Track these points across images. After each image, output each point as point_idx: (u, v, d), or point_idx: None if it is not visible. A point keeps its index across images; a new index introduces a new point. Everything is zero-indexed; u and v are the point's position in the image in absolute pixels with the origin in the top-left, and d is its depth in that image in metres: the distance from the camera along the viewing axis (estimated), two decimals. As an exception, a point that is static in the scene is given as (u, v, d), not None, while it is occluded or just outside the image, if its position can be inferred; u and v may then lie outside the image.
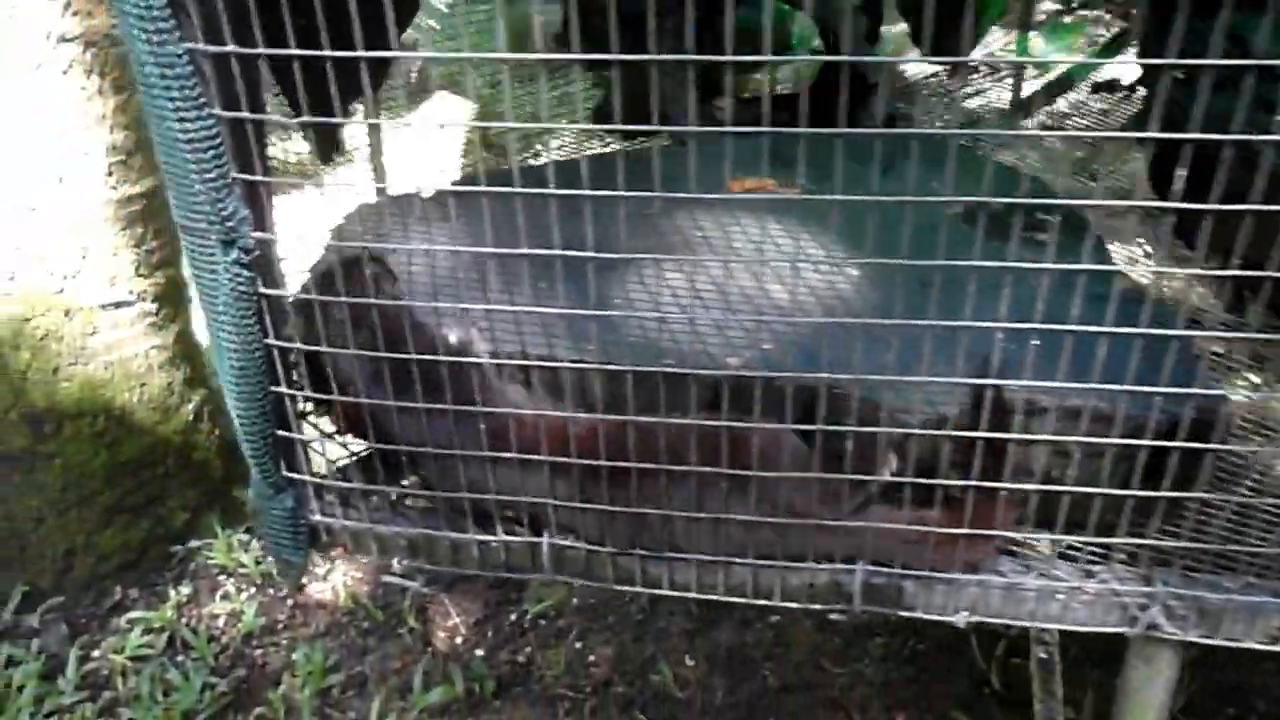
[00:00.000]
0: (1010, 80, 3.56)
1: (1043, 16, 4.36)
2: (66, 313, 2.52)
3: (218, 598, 2.68)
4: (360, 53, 1.11)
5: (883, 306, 1.59)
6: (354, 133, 4.06)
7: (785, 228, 1.86)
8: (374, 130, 3.12)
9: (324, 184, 3.26)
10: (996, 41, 4.21)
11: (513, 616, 2.61)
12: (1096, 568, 1.42)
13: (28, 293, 2.46)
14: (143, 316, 2.62)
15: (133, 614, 2.62)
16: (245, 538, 2.83)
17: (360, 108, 1.31)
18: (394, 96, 5.16)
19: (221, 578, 2.75)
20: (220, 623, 2.61)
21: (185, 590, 2.72)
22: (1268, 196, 1.08)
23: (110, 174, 2.47)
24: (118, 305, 2.57)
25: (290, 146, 3.82)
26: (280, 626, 2.60)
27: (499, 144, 4.79)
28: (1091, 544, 1.46)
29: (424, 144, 4.68)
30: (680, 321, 1.56)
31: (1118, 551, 1.42)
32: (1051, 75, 3.59)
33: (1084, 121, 3.30)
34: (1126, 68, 3.42)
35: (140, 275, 2.59)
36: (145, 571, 2.77)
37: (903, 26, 3.47)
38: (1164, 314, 1.34)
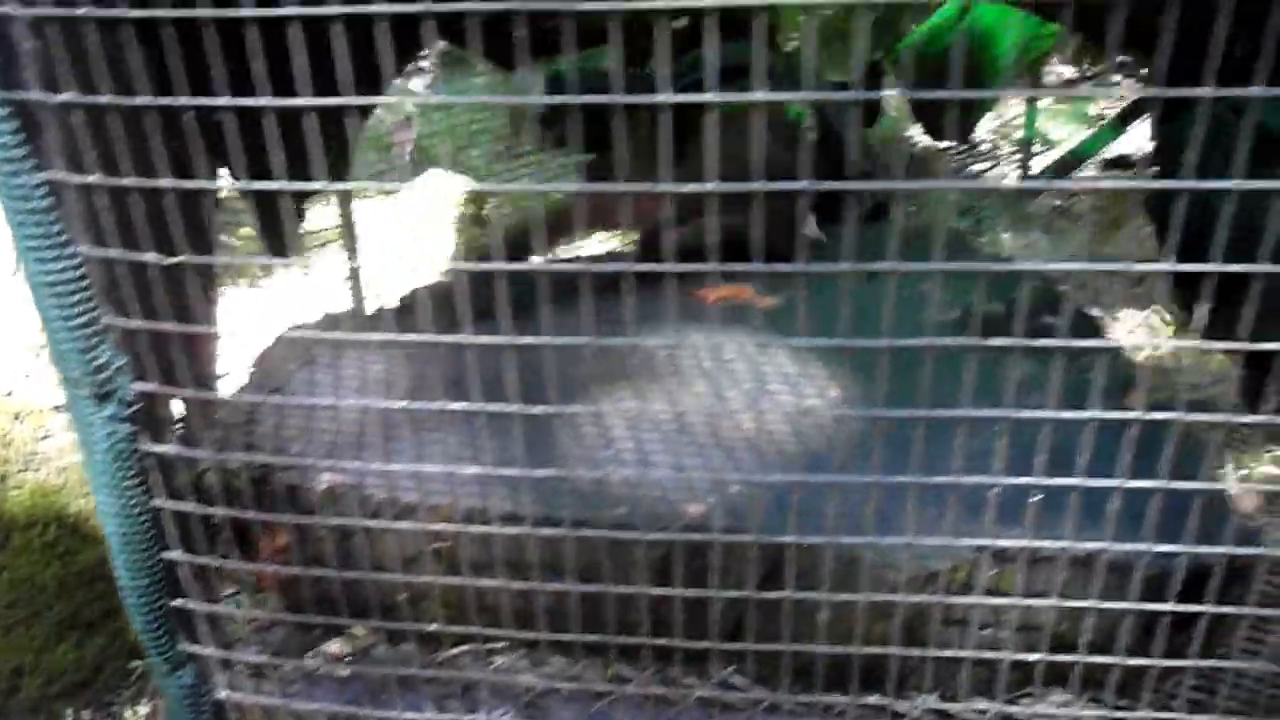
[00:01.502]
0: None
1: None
2: (16, 416, 2.42)
3: (176, 719, 2.51)
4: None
5: (865, 433, 1.41)
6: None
7: (759, 341, 1.69)
8: (346, 209, 3.01)
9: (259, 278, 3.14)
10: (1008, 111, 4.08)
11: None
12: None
13: (-28, 397, 2.35)
14: (97, 420, 2.50)
15: (85, 737, 2.45)
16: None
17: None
18: (392, 172, 5.09)
19: (180, 697, 2.59)
20: (177, 747, 2.44)
21: (143, 710, 2.55)
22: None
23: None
24: (71, 408, 2.45)
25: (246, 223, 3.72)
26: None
27: (492, 220, 4.69)
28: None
29: (418, 222, 4.60)
30: (635, 462, 1.39)
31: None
32: (1060, 151, 3.45)
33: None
34: (1139, 142, 3.28)
35: (94, 377, 2.47)
36: (99, 691, 2.60)
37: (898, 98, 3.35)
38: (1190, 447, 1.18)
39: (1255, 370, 2.09)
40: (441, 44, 2.51)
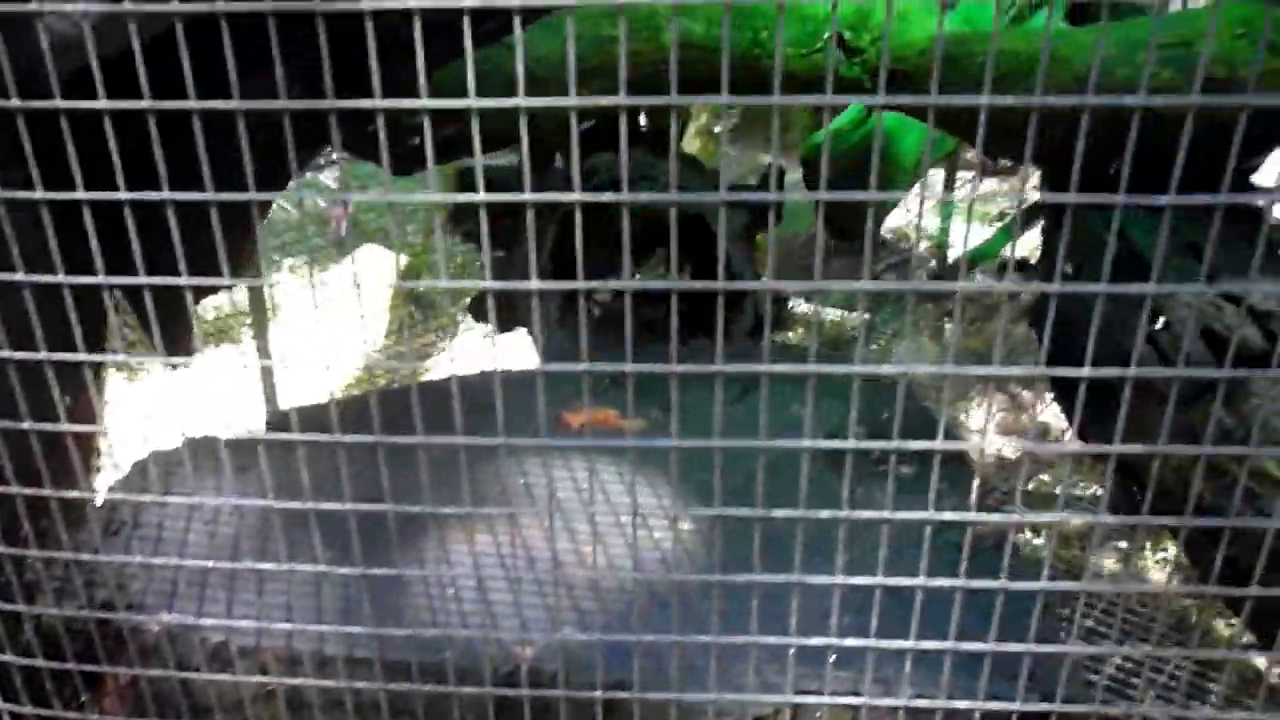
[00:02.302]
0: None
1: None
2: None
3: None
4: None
5: (717, 567, 1.44)
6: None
7: (620, 469, 1.72)
8: (259, 309, 3.03)
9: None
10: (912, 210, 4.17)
11: None
12: None
13: None
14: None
15: None
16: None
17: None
18: (323, 249, 5.11)
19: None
20: None
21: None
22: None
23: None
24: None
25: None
26: None
27: (427, 297, 4.72)
28: None
29: (350, 300, 4.61)
30: (472, 597, 1.42)
31: None
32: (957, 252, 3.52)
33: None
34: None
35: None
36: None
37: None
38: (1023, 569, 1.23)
39: (1126, 488, 2.15)
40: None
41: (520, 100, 0.89)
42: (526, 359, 3.21)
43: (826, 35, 2.56)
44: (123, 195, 0.99)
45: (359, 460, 1.10)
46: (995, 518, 1.08)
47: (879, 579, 1.09)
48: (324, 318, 4.29)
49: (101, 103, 0.95)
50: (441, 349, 4.35)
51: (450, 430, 1.04)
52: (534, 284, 0.98)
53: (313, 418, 1.50)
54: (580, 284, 0.99)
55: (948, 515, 1.09)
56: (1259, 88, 2.05)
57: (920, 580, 1.09)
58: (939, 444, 1.05)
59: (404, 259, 4.89)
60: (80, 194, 0.98)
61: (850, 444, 1.05)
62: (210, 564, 1.02)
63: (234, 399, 3.30)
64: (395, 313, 4.70)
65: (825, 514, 1.07)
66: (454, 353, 4.24)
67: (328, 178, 5.13)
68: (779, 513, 1.07)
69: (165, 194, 0.98)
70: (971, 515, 1.10)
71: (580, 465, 1.73)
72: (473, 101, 0.90)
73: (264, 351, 2.84)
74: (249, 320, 3.45)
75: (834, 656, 1.22)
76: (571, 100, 0.90)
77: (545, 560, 1.48)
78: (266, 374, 2.77)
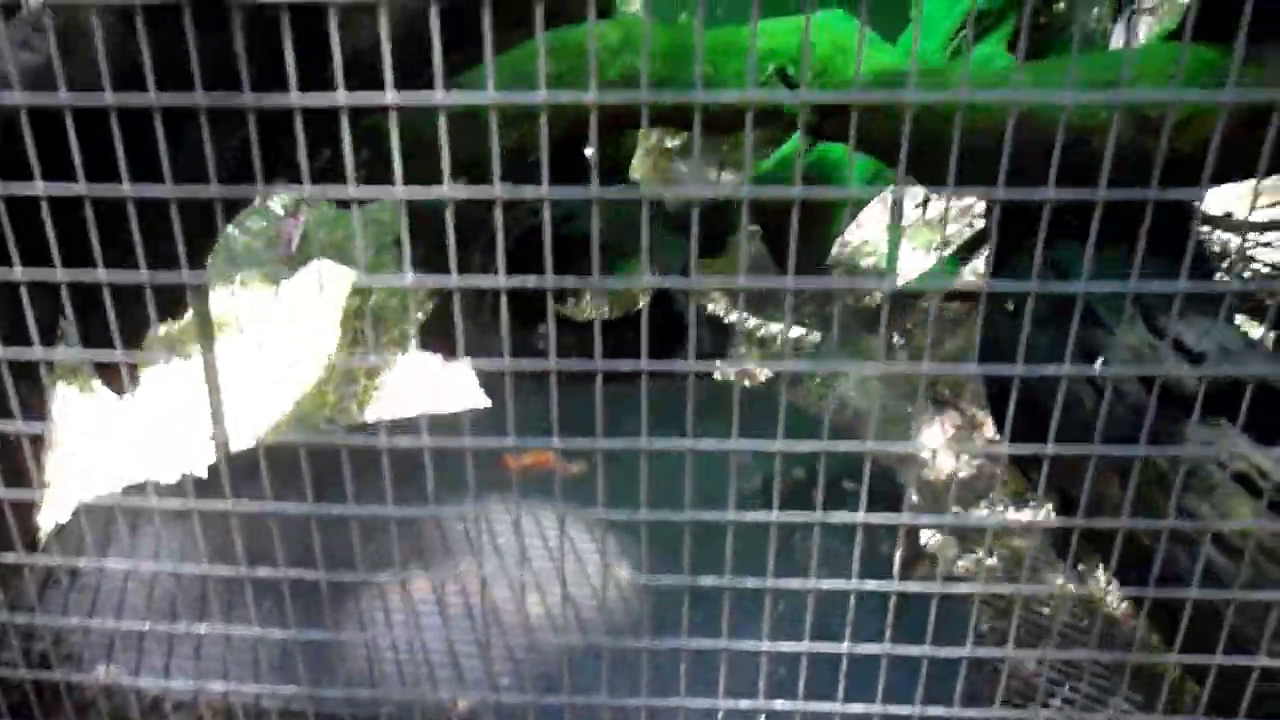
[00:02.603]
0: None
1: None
2: None
3: None
4: None
5: (648, 622, 1.46)
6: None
7: (558, 515, 1.74)
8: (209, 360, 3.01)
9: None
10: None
11: None
12: None
13: None
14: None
15: None
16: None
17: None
18: (278, 262, 5.08)
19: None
20: None
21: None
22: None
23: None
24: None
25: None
26: None
27: (380, 315, 4.71)
28: None
29: (305, 315, 4.60)
30: (407, 649, 1.44)
31: None
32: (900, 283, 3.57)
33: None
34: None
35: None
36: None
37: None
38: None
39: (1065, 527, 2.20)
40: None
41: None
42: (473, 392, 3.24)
43: (771, 69, 2.60)
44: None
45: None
46: (916, 587, 1.10)
47: (805, 644, 1.12)
48: (274, 333, 4.27)
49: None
50: (391, 364, 4.35)
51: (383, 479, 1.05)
52: (500, 279, 0.99)
53: (249, 461, 1.51)
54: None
55: (870, 585, 1.12)
56: (1187, 128, 2.10)
57: (845, 646, 1.12)
58: (860, 516, 1.08)
59: (357, 275, 4.86)
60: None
61: (773, 515, 1.08)
62: (146, 625, 1.04)
63: (183, 419, 3.29)
64: (346, 327, 4.68)
65: (750, 582, 1.10)
66: (405, 370, 4.23)
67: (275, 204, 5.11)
68: (706, 580, 1.10)
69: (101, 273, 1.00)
70: (895, 585, 1.13)
71: (519, 509, 1.74)
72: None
73: (210, 368, 2.82)
74: (199, 337, 3.43)
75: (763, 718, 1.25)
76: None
77: (482, 610, 1.51)
78: (213, 392, 2.75)
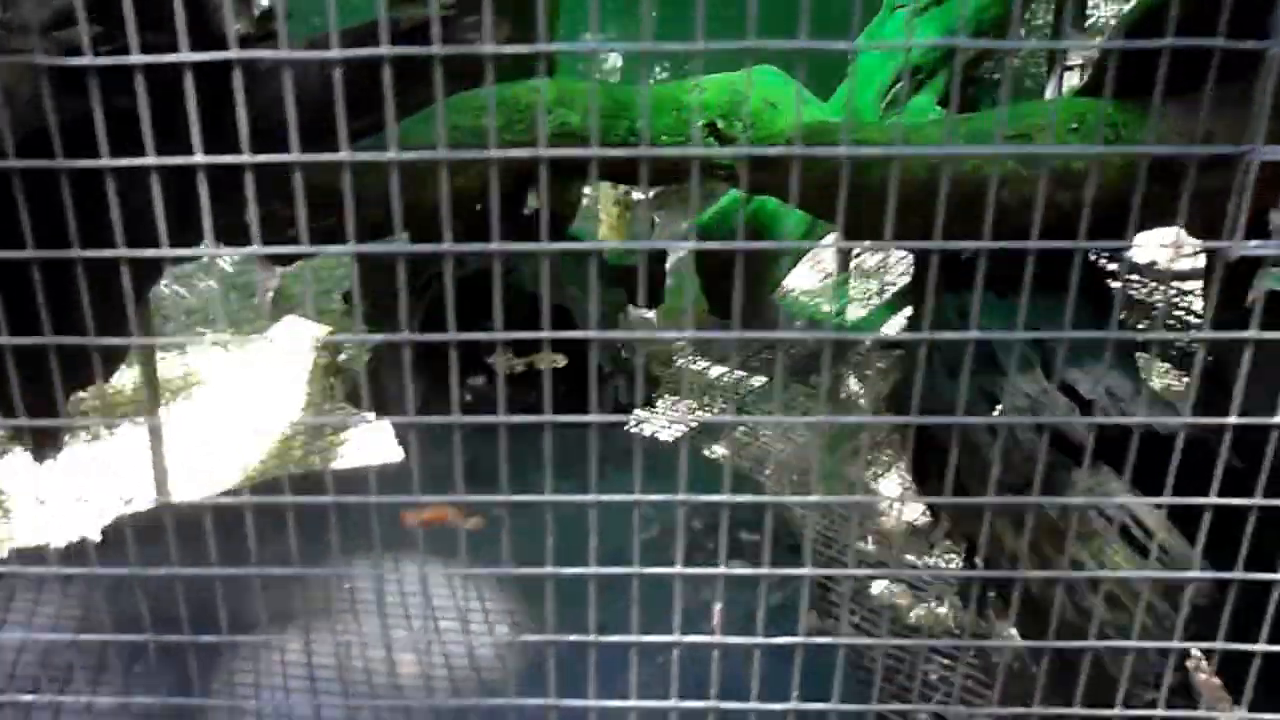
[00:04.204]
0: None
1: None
2: None
3: None
4: None
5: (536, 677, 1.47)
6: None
7: (450, 572, 1.74)
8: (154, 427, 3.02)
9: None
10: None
11: None
12: None
13: None
14: None
15: None
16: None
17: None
18: (253, 317, 5.07)
19: None
20: None
21: None
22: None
23: None
24: None
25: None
26: None
27: (348, 369, 4.70)
28: None
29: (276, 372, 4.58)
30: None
31: None
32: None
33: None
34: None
35: None
36: None
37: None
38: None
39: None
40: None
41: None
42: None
43: (701, 123, 2.67)
44: None
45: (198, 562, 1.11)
46: (825, 640, 1.12)
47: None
48: (244, 391, 4.28)
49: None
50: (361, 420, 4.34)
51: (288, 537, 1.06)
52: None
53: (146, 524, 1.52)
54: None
55: (779, 640, 1.13)
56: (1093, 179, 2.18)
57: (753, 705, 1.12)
58: (764, 569, 1.09)
59: (325, 329, 4.84)
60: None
61: (677, 569, 1.09)
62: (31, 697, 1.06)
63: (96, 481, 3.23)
64: (315, 384, 4.67)
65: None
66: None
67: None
68: (609, 639, 1.10)
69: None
70: (799, 639, 1.14)
71: (412, 567, 1.73)
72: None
73: (155, 433, 2.83)
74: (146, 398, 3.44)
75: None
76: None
77: (359, 673, 1.52)
78: (156, 457, 2.76)
